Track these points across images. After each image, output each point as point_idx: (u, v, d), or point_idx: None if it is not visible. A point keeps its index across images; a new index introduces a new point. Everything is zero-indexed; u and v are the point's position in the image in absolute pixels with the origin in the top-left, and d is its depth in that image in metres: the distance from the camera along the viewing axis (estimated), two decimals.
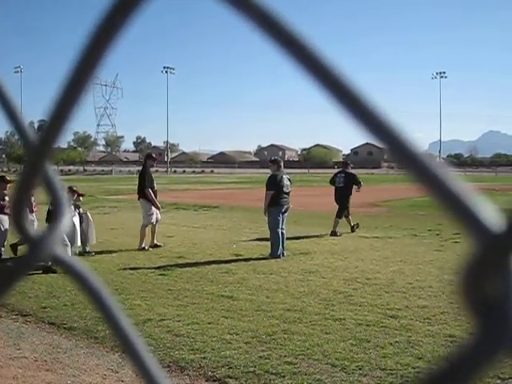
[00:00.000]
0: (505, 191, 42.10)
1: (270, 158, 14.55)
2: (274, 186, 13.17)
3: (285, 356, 6.22)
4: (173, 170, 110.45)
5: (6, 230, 11.94)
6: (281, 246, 12.70)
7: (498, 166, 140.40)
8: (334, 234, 16.01)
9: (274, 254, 12.60)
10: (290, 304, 8.48)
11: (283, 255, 12.64)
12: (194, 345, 6.63)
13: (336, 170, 18.37)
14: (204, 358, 6.20)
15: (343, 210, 16.65)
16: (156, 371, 0.60)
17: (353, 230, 16.77)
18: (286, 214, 13.35)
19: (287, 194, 13.24)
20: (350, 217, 17.00)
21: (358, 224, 17.27)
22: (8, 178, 12.59)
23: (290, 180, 13.53)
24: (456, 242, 14.80)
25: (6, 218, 11.79)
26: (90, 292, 0.63)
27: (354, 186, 17.03)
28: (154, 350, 6.47)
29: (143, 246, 13.59)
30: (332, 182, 17.26)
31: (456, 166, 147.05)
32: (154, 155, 14.80)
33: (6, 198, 11.85)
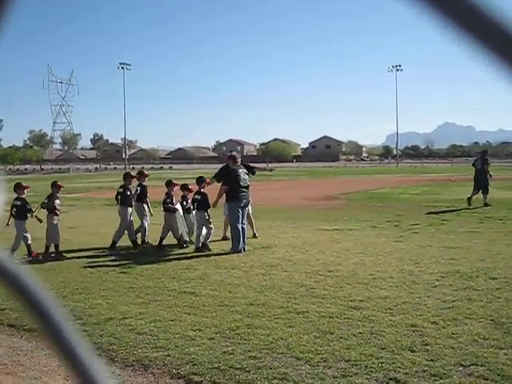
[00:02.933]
0: (461, 181, 42.71)
1: (228, 153, 14.45)
2: (229, 181, 13.20)
3: (249, 351, 6.21)
4: (131, 166, 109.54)
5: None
6: (242, 241, 12.69)
7: (454, 157, 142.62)
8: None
9: (235, 249, 12.59)
10: (252, 298, 8.47)
11: (244, 250, 12.64)
12: (157, 342, 6.58)
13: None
14: (168, 355, 6.16)
15: None
16: (96, 370, 0.56)
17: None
18: (246, 209, 13.34)
19: (245, 187, 13.23)
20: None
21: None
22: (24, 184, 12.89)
23: (247, 174, 13.50)
24: (415, 233, 14.99)
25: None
26: (27, 297, 0.57)
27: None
28: (117, 349, 6.41)
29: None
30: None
31: (413, 158, 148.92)
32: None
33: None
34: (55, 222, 12.73)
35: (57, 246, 12.65)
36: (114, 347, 6.45)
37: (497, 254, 11.58)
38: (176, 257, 12.25)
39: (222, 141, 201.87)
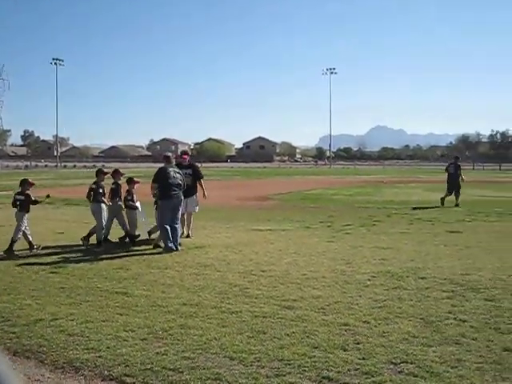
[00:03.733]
0: (392, 183, 43.61)
1: (163, 153, 14.43)
2: (158, 179, 13.14)
3: (182, 351, 6.16)
4: (63, 164, 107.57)
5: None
6: (171, 240, 12.61)
7: (385, 159, 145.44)
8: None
9: (166, 249, 12.52)
10: (185, 298, 8.42)
11: (177, 249, 12.56)
12: (88, 344, 6.45)
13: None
14: (99, 356, 6.04)
15: None
16: None
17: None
18: (179, 207, 13.20)
19: (176, 186, 13.12)
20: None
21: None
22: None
23: (179, 173, 13.38)
24: (347, 234, 15.21)
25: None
26: None
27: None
28: (47, 350, 6.25)
29: None
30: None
31: (346, 160, 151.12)
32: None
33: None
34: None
35: None
36: (44, 349, 6.30)
37: (426, 254, 11.86)
38: (109, 256, 12.07)
39: (156, 140, 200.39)
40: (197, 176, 15.04)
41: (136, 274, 10.25)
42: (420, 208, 21.95)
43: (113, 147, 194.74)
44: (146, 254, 12.24)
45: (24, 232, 12.84)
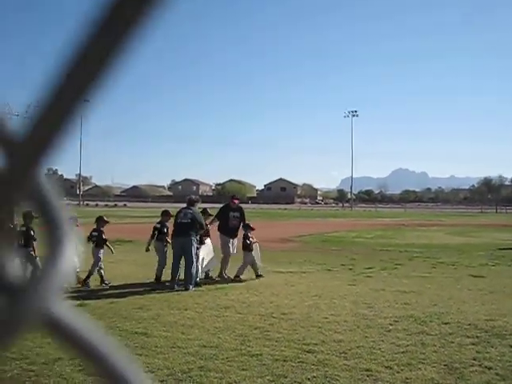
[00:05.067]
0: (413, 226, 43.34)
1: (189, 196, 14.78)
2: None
3: None
4: (85, 203, 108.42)
5: None
6: (173, 278, 13.16)
7: (407, 201, 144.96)
8: None
9: (171, 286, 13.02)
10: (205, 340, 8.35)
11: (185, 288, 12.81)
12: None
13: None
14: None
15: None
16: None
17: None
18: (185, 247, 13.30)
19: (182, 225, 13.52)
20: None
21: None
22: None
23: (189, 213, 13.73)
24: (368, 277, 15.07)
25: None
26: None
27: None
28: None
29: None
30: None
31: (367, 202, 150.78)
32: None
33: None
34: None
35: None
36: None
37: (449, 298, 11.70)
38: (129, 296, 12.05)
39: (178, 180, 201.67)
40: (243, 219, 15.79)
41: (156, 314, 10.20)
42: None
43: (134, 187, 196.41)
44: (167, 295, 12.20)
45: (100, 267, 13.61)
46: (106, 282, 13.47)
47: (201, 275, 14.12)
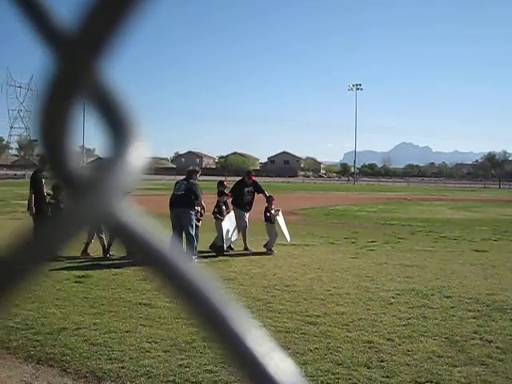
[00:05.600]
0: (416, 201, 43.35)
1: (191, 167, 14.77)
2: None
3: (205, 364, 6.14)
4: None
5: None
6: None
7: (410, 176, 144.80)
8: None
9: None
10: None
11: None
12: (111, 354, 6.47)
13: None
14: (122, 367, 6.05)
15: None
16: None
17: None
18: (182, 219, 13.30)
19: (175, 197, 13.56)
20: None
21: None
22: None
23: (183, 184, 13.75)
24: (371, 250, 15.11)
25: None
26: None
27: None
28: (70, 360, 6.27)
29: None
30: None
31: (370, 176, 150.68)
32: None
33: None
34: None
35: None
36: (67, 358, 6.32)
37: (451, 272, 11.74)
38: (132, 267, 12.10)
39: (182, 152, 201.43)
40: (261, 191, 16.16)
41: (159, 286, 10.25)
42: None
43: None
44: None
45: (101, 237, 13.68)
46: (111, 252, 13.57)
47: (226, 247, 14.37)
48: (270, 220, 14.92)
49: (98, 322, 7.79)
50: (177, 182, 14.08)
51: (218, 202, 14.95)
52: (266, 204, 15.45)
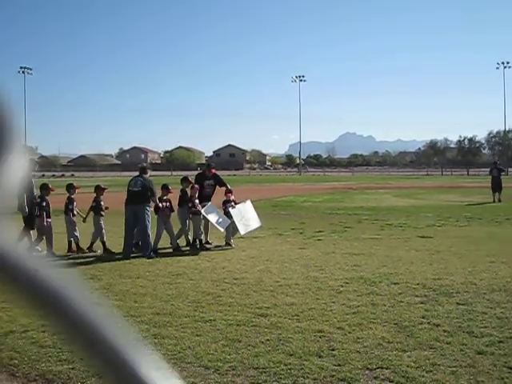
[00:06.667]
0: (361, 190, 43.91)
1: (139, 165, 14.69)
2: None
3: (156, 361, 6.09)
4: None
5: None
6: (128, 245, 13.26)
7: (355, 165, 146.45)
8: None
9: (125, 255, 13.02)
10: (158, 308, 8.35)
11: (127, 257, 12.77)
12: (61, 355, 6.35)
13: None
14: (72, 368, 5.95)
15: None
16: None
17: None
18: (138, 215, 13.22)
19: (132, 193, 13.53)
20: None
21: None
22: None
23: (139, 180, 13.68)
24: (319, 240, 15.25)
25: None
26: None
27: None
28: (18, 363, 6.14)
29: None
30: None
31: (315, 166, 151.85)
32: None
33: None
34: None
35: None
36: (16, 362, 6.19)
37: (398, 259, 11.93)
38: (80, 266, 11.94)
39: (126, 148, 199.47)
40: (222, 184, 16.04)
41: (107, 284, 10.15)
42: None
43: (82, 156, 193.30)
44: (118, 264, 12.13)
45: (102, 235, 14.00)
46: (113, 250, 13.63)
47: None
48: (227, 214, 14.83)
49: (46, 324, 7.64)
50: (131, 179, 13.96)
51: (182, 194, 14.99)
52: (224, 197, 15.43)
